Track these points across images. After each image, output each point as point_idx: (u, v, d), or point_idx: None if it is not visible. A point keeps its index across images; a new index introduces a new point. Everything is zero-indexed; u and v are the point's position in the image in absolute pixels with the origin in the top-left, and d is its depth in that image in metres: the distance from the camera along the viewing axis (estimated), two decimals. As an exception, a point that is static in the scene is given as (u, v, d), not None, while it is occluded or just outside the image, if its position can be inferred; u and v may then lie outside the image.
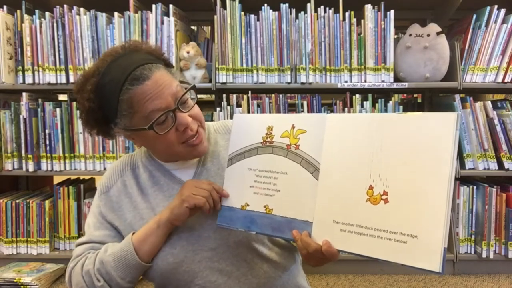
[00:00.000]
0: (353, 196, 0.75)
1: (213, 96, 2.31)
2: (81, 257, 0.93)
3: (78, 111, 2.06)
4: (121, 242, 0.91)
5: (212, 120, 2.21)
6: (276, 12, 2.01)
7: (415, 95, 2.97)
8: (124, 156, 1.05)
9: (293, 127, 0.84)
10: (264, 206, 0.85)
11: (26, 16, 2.03)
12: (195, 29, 2.53)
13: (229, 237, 0.91)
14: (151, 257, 0.90)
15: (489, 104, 2.02)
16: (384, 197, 0.71)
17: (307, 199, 0.79)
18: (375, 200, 0.72)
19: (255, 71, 2.03)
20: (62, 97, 2.54)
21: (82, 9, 2.01)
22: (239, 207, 0.87)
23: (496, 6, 1.99)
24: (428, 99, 2.32)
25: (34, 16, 2.03)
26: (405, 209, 0.69)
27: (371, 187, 0.73)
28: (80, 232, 2.11)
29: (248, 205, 0.86)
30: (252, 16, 2.01)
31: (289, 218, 0.81)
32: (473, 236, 2.08)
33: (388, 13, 2.01)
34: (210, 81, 2.07)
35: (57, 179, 2.35)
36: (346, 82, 2.03)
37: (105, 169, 2.07)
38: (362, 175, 0.74)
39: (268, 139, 0.87)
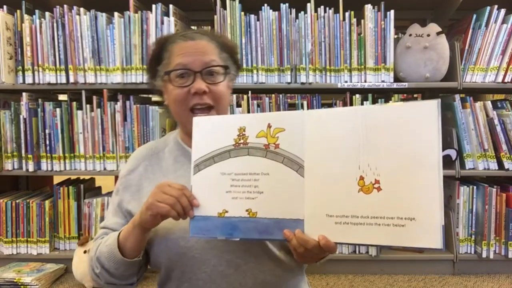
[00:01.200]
0: (344, 188, 0.75)
1: (213, 96, 2.31)
2: (94, 241, 0.97)
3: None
4: (114, 235, 0.92)
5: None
6: (276, 12, 2.01)
7: (415, 95, 2.97)
8: (150, 142, 1.08)
9: (269, 126, 0.82)
10: (247, 210, 0.81)
11: (26, 16, 2.03)
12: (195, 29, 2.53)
13: None
14: (136, 254, 0.90)
15: (489, 104, 2.02)
16: (376, 185, 0.73)
17: (295, 197, 0.79)
18: (367, 189, 0.73)
19: (255, 71, 2.03)
20: (62, 97, 2.54)
21: (82, 9, 2.01)
22: (216, 215, 0.82)
23: (496, 6, 1.99)
24: (428, 99, 2.32)
25: (34, 16, 2.03)
26: (399, 194, 0.71)
27: (361, 178, 0.74)
28: (80, 232, 2.12)
29: (226, 212, 0.82)
30: (252, 16, 2.01)
31: (277, 219, 0.79)
32: (473, 236, 2.08)
33: (388, 13, 2.01)
34: (210, 81, 2.06)
35: (57, 179, 2.35)
36: (346, 82, 2.03)
37: (105, 169, 2.07)
38: (351, 167, 0.75)
39: (242, 141, 0.83)
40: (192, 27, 2.43)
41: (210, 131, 0.86)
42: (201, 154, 0.85)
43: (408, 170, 0.71)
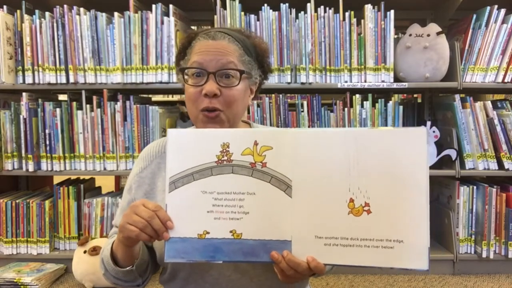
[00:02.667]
0: (334, 210, 0.76)
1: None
2: (108, 239, 0.97)
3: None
4: (110, 242, 0.91)
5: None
6: (276, 12, 2.01)
7: (415, 95, 2.97)
8: (161, 139, 1.04)
9: (256, 143, 0.78)
10: (231, 231, 0.78)
11: (26, 16, 2.03)
12: (195, 29, 2.53)
13: None
14: (128, 264, 0.88)
15: (489, 104, 2.02)
16: (366, 208, 0.75)
17: (282, 218, 0.77)
18: (357, 212, 0.75)
19: (255, 71, 2.02)
20: (62, 97, 2.54)
21: (82, 9, 2.01)
22: (195, 236, 0.78)
23: (496, 6, 1.99)
24: (428, 99, 2.32)
25: (34, 16, 2.03)
26: (389, 217, 0.74)
27: (351, 200, 0.75)
28: (80, 232, 2.11)
29: (208, 233, 0.78)
30: (252, 16, 2.01)
31: (264, 240, 0.77)
32: (473, 236, 2.08)
33: (388, 13, 2.01)
34: (210, 81, 2.06)
35: (57, 179, 2.35)
36: (346, 82, 2.03)
37: (105, 169, 2.07)
38: (341, 189, 0.76)
39: (226, 158, 0.79)
40: (192, 27, 2.43)
41: (189, 145, 0.80)
42: (178, 170, 0.79)
43: (397, 193, 0.74)
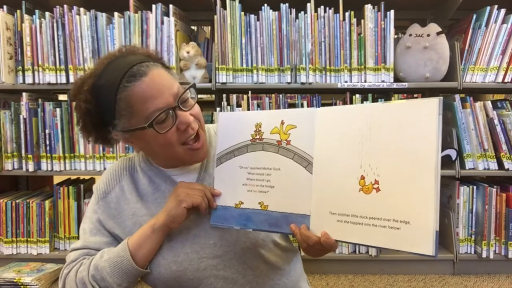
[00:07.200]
0: (346, 187, 0.76)
1: (213, 96, 2.32)
2: (75, 263, 0.90)
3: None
4: (117, 247, 0.88)
5: (212, 120, 2.21)
6: (276, 12, 2.01)
7: (415, 95, 2.97)
8: (121, 159, 1.01)
9: (282, 123, 0.84)
10: (259, 203, 0.85)
11: (26, 16, 2.03)
12: (195, 29, 2.53)
13: (236, 244, 0.90)
14: (147, 262, 0.88)
15: (489, 104, 2.02)
16: (375, 186, 0.73)
17: (303, 193, 0.80)
18: (367, 189, 0.74)
19: (255, 71, 2.03)
20: (62, 97, 2.54)
21: (82, 9, 2.01)
22: (233, 206, 0.88)
23: (496, 6, 1.99)
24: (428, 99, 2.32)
25: (34, 16, 2.03)
26: (396, 197, 0.71)
27: (362, 177, 0.74)
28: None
29: (242, 203, 0.87)
30: (252, 16, 2.01)
31: (286, 213, 0.82)
32: (473, 236, 2.08)
33: (388, 13, 2.01)
34: (210, 81, 2.07)
35: (57, 179, 2.35)
36: (346, 82, 2.03)
37: (105, 169, 2.06)
38: (354, 166, 0.75)
39: (258, 136, 0.87)
40: (192, 27, 2.43)
41: (232, 126, 0.90)
42: (223, 148, 0.90)
43: (406, 171, 0.70)
